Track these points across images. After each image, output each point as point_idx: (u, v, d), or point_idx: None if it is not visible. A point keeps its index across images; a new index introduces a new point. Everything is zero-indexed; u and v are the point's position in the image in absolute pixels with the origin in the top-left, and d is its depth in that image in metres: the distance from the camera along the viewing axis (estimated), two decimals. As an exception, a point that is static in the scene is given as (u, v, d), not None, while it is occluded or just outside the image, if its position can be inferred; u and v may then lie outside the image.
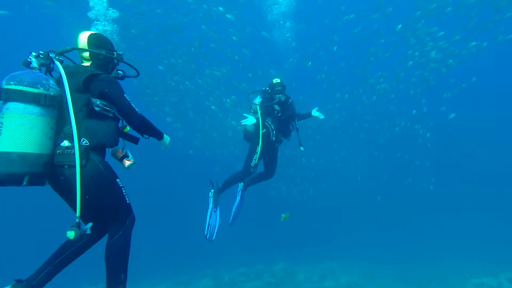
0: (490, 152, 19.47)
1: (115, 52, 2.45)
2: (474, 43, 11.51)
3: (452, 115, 15.18)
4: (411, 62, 12.89)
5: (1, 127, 1.81)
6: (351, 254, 10.24)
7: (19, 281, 2.04)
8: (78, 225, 1.93)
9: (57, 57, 2.11)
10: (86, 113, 2.09)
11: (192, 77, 13.08)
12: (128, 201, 2.25)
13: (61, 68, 2.05)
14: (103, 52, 2.33)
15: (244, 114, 4.98)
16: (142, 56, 12.36)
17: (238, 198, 5.26)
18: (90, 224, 2.04)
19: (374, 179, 18.46)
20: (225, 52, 12.32)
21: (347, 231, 12.86)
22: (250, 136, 5.04)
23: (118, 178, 2.23)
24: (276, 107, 4.89)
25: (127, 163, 2.36)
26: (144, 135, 2.47)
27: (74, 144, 1.98)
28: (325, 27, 13.48)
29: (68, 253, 2.17)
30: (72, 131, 1.99)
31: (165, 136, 2.65)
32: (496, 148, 19.43)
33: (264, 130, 4.81)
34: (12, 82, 1.86)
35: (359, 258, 9.88)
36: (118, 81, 2.39)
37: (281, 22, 10.21)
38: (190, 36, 11.99)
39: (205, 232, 4.88)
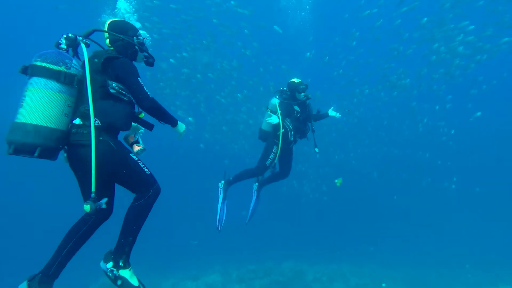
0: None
1: (134, 38, 2.55)
2: (506, 39, 11.01)
3: (478, 114, 14.70)
4: (434, 57, 12.51)
5: (24, 99, 2.01)
6: (362, 256, 10.24)
7: (33, 276, 2.12)
8: (94, 200, 2.07)
9: (84, 40, 2.26)
10: (102, 94, 2.22)
11: (204, 71, 13.23)
12: (148, 172, 2.40)
13: (85, 50, 2.20)
14: (122, 37, 2.45)
15: (268, 113, 5.00)
16: (156, 50, 12.55)
17: (254, 197, 5.35)
18: (105, 199, 2.19)
19: (391, 178, 18.21)
20: (237, 47, 12.37)
21: (359, 231, 12.83)
22: (266, 135, 5.11)
23: (131, 153, 2.38)
24: (296, 107, 4.96)
25: (136, 148, 2.53)
26: (161, 121, 2.56)
27: (89, 123, 2.11)
28: (344, 22, 13.24)
29: (77, 237, 2.25)
30: (88, 110, 2.13)
31: (179, 123, 2.69)
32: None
33: (283, 130, 4.86)
34: (38, 59, 2.07)
35: (371, 261, 9.84)
36: (148, 67, 2.66)
37: (298, 16, 10.13)
38: (202, 30, 12.12)
39: (217, 223, 4.97)
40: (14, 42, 17.46)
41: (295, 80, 4.99)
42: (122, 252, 2.32)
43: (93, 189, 2.08)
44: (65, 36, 2.23)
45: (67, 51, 2.24)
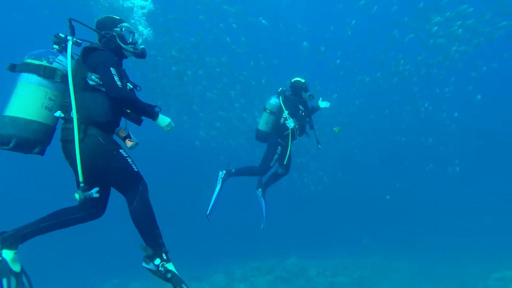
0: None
1: (114, 30, 2.58)
2: (504, 22, 11.09)
3: (479, 97, 14.90)
4: (432, 40, 12.59)
5: (12, 95, 2.18)
6: (364, 249, 10.56)
7: (2, 232, 2.21)
8: (83, 189, 2.16)
9: (75, 39, 2.34)
10: (83, 86, 2.26)
11: (194, 68, 13.33)
12: (136, 169, 2.42)
13: (69, 45, 2.29)
14: (102, 33, 2.54)
15: (267, 113, 5.08)
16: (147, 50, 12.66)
17: (263, 203, 5.47)
18: (96, 189, 2.26)
19: (394, 166, 18.46)
20: (225, 42, 12.44)
21: (361, 223, 13.13)
22: (265, 136, 5.20)
23: (121, 149, 2.39)
24: (301, 106, 5.09)
25: (129, 143, 2.53)
26: (140, 115, 2.56)
27: (72, 116, 2.18)
28: (339, 11, 13.25)
29: (61, 221, 2.36)
30: (67, 102, 2.22)
31: (161, 116, 2.59)
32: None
33: (289, 131, 4.97)
34: (26, 57, 2.26)
35: (373, 253, 10.09)
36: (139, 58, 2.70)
37: (291, 6, 10.19)
38: (190, 27, 12.20)
39: (208, 212, 4.96)
40: (8, 45, 17.43)
41: (300, 79, 5.09)
42: (160, 245, 2.37)
43: (80, 179, 2.15)
44: (54, 34, 2.34)
45: (60, 50, 2.35)
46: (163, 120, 2.61)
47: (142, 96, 2.68)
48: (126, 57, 2.73)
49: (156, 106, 2.68)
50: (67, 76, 2.24)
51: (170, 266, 2.37)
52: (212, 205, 4.99)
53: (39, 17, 14.28)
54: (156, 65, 13.23)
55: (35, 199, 13.55)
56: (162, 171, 17.57)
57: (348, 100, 16.62)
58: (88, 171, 2.24)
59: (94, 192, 2.25)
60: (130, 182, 2.37)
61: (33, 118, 2.15)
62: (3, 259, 2.14)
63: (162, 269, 2.33)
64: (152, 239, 2.38)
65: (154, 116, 2.56)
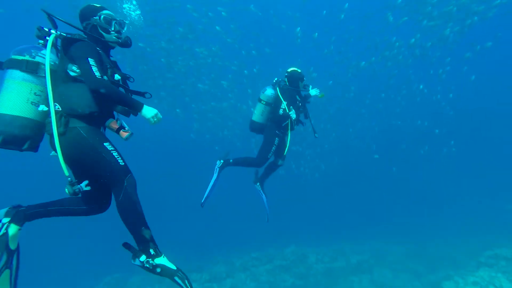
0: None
1: (93, 21, 2.51)
2: (498, 1, 11.01)
3: (473, 77, 14.95)
4: (425, 22, 12.52)
5: None
6: (362, 234, 10.74)
7: (15, 207, 2.29)
8: (70, 183, 2.16)
9: (59, 32, 2.32)
10: (64, 79, 2.25)
11: (185, 59, 13.19)
12: (122, 163, 2.33)
13: (50, 40, 2.26)
14: (84, 25, 2.51)
15: (263, 104, 5.07)
16: (134, 42, 12.46)
17: (263, 196, 5.54)
18: (85, 182, 2.26)
19: (390, 149, 18.63)
20: (215, 31, 12.27)
21: (359, 209, 13.33)
22: (260, 127, 5.19)
23: (107, 142, 2.33)
24: (298, 97, 5.08)
25: (124, 134, 2.44)
26: (123, 106, 2.45)
27: (50, 109, 2.16)
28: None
29: (67, 209, 2.44)
30: (47, 95, 2.17)
31: (146, 107, 2.44)
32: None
33: (288, 121, 4.99)
34: (11, 53, 2.26)
35: (370, 237, 10.30)
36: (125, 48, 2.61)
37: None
38: (179, 17, 12.00)
39: (202, 199, 5.01)
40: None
41: (297, 69, 5.06)
42: (146, 241, 2.34)
43: (66, 173, 2.16)
44: (37, 27, 2.30)
45: (45, 44, 2.30)
46: (149, 111, 2.45)
47: (135, 89, 2.62)
48: (112, 47, 2.63)
49: (146, 93, 2.61)
50: (51, 71, 2.22)
51: (159, 260, 2.34)
52: (207, 193, 5.02)
53: (26, 11, 13.84)
54: (145, 57, 13.06)
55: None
56: (159, 166, 17.62)
57: (343, 86, 16.61)
58: (73, 165, 2.25)
59: (84, 186, 2.23)
60: (115, 177, 2.31)
61: (18, 114, 2.15)
62: (6, 233, 2.17)
63: (148, 265, 2.32)
64: (138, 235, 2.34)
65: (138, 108, 2.43)
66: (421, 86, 16.21)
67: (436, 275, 7.17)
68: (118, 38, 2.56)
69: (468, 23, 11.99)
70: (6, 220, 2.21)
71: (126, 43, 2.60)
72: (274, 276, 8.53)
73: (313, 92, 5.23)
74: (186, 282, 2.30)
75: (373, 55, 14.63)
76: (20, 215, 2.25)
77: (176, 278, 2.32)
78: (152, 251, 2.35)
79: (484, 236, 9.22)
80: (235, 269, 9.02)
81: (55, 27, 2.39)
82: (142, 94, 2.60)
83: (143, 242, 2.35)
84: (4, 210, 2.26)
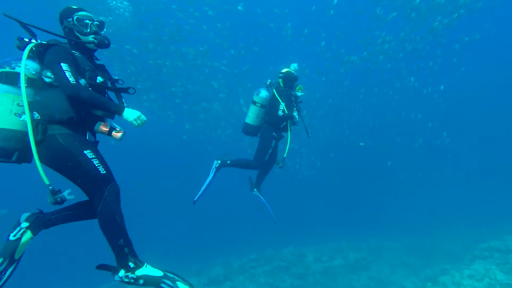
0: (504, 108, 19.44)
1: (67, 23, 2.49)
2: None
3: (463, 68, 15.15)
4: (414, 14, 12.66)
5: None
6: (359, 231, 10.88)
7: (37, 213, 2.32)
8: (52, 192, 2.15)
9: (38, 41, 2.32)
10: (41, 86, 2.24)
11: (173, 60, 13.15)
12: (103, 172, 2.26)
13: (26, 49, 2.23)
14: (60, 33, 2.47)
15: (257, 106, 5.05)
16: (121, 44, 12.38)
17: (264, 201, 5.54)
18: (68, 190, 2.23)
19: (385, 144, 18.83)
20: (202, 31, 12.23)
21: (355, 206, 13.48)
22: (254, 130, 5.17)
23: (88, 149, 2.25)
24: (292, 98, 5.08)
25: (117, 135, 2.36)
26: (103, 112, 2.39)
27: (35, 118, 2.16)
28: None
29: (74, 212, 2.42)
30: (29, 104, 2.15)
31: (126, 110, 2.34)
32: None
33: (285, 123, 5.00)
34: None
35: (367, 234, 10.43)
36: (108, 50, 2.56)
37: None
38: (165, 19, 11.95)
39: (196, 198, 5.04)
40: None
41: (291, 70, 5.05)
42: (124, 255, 2.29)
43: (46, 182, 2.14)
44: (17, 38, 2.29)
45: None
46: (130, 114, 2.34)
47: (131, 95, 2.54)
48: (95, 49, 2.56)
49: (130, 88, 2.56)
50: (32, 79, 2.21)
51: (140, 272, 2.29)
52: (201, 192, 5.05)
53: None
54: (134, 59, 12.98)
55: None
56: (153, 169, 17.52)
57: (336, 82, 16.68)
58: (57, 172, 2.23)
59: (66, 194, 2.20)
60: (94, 186, 2.26)
61: (2, 126, 2.14)
62: (19, 239, 2.18)
63: (128, 279, 2.27)
64: (116, 248, 2.28)
65: (118, 111, 2.33)
66: (412, 79, 16.43)
67: (432, 269, 7.31)
68: (95, 38, 2.48)
69: (455, 16, 12.15)
70: (25, 225, 2.23)
71: (102, 43, 2.49)
72: (273, 277, 8.58)
73: (299, 93, 5.20)
74: (177, 283, 2.28)
75: (364, 50, 14.75)
76: (39, 222, 2.27)
77: (163, 285, 2.28)
78: (131, 264, 2.30)
79: (478, 227, 9.43)
80: (233, 271, 9.04)
81: (34, 35, 2.35)
82: (125, 90, 2.54)
83: (122, 256, 2.31)
84: (26, 214, 2.29)
